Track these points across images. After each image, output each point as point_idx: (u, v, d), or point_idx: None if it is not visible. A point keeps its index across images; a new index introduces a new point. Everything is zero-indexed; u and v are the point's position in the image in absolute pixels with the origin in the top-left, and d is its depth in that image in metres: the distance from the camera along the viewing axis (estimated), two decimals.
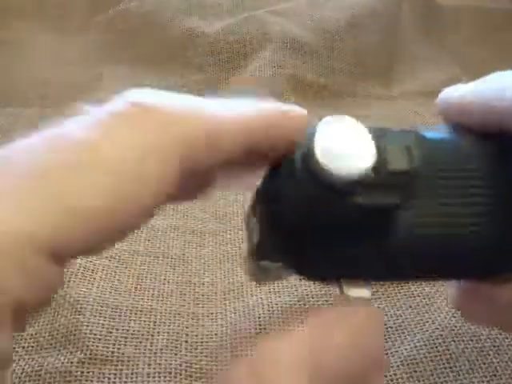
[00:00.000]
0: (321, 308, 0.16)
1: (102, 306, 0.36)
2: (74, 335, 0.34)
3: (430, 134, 0.18)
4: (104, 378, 0.32)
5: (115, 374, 0.33)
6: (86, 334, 0.34)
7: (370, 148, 0.14)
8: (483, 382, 0.33)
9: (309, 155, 0.14)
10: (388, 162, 0.15)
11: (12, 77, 0.67)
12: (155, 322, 0.36)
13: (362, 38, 0.66)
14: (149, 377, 0.33)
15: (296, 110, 0.20)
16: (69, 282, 0.37)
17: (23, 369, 0.33)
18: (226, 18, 0.69)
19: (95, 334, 0.34)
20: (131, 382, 0.32)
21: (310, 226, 0.16)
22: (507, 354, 0.34)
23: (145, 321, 0.36)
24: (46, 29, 0.75)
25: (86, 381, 0.32)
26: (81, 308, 0.35)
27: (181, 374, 0.33)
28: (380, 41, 0.68)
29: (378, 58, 0.67)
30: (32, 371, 0.32)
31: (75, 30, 0.75)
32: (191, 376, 0.32)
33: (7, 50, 0.71)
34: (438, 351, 0.34)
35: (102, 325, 0.35)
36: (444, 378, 0.33)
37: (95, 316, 0.35)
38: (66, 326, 0.34)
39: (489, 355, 0.34)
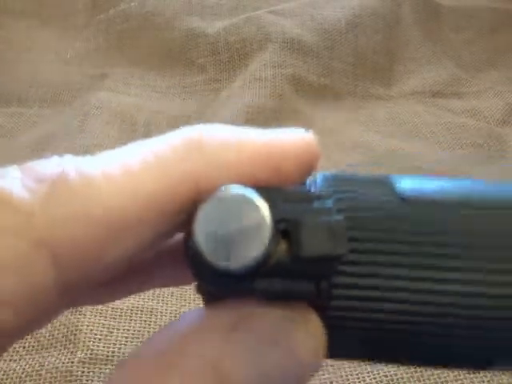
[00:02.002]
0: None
1: (102, 306, 0.36)
2: (75, 335, 0.34)
3: (410, 192, 0.13)
4: (105, 377, 0.32)
5: None
6: (86, 333, 0.34)
7: (264, 231, 0.12)
8: (483, 382, 0.33)
9: (191, 239, 0.12)
10: (298, 247, 0.12)
11: (12, 77, 0.67)
12: (155, 322, 0.36)
13: (363, 38, 0.66)
14: None
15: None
16: None
17: (24, 368, 0.33)
18: (227, 19, 0.69)
19: (96, 334, 0.34)
20: None
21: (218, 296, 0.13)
22: None
23: (145, 321, 0.36)
24: (46, 29, 0.75)
25: (87, 380, 0.32)
26: (81, 308, 0.35)
27: None
28: (380, 41, 0.68)
29: (378, 57, 0.67)
30: (33, 371, 0.32)
31: (75, 30, 0.75)
32: None
33: (7, 50, 0.71)
34: None
35: (103, 325, 0.35)
36: (444, 378, 0.33)
37: (96, 316, 0.35)
38: (66, 325, 0.35)
39: None
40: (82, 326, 0.34)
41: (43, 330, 0.35)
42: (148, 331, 0.35)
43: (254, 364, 0.12)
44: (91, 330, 0.34)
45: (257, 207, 0.12)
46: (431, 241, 0.13)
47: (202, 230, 0.12)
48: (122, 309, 0.36)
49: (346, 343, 0.14)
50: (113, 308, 0.36)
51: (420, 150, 0.53)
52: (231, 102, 0.59)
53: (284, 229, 0.12)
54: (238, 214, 0.12)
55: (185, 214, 0.13)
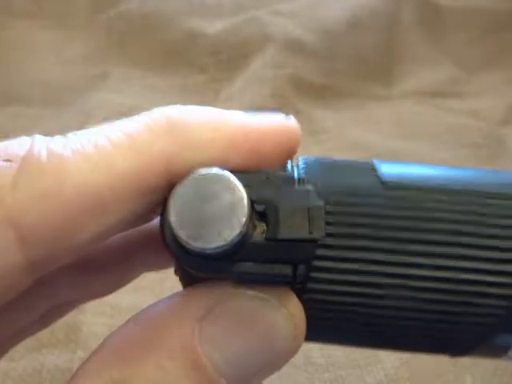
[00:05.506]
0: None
1: (103, 305, 0.36)
2: (75, 334, 0.34)
3: (393, 175, 0.14)
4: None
5: None
6: (87, 332, 0.34)
7: (240, 213, 0.11)
8: (484, 382, 0.33)
9: (165, 220, 0.12)
10: (275, 229, 0.12)
11: (12, 77, 0.67)
12: None
13: (363, 38, 0.66)
14: None
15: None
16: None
17: (24, 368, 0.33)
18: (227, 19, 0.69)
19: (96, 333, 0.34)
20: None
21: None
22: None
23: None
24: (46, 29, 0.75)
25: None
26: (82, 307, 0.35)
27: None
28: (380, 41, 0.68)
29: (379, 58, 0.67)
30: (33, 370, 0.32)
31: (76, 30, 0.75)
32: None
33: (7, 50, 0.71)
34: None
35: (104, 323, 0.35)
36: (444, 378, 0.33)
37: (96, 315, 0.35)
38: (66, 324, 0.35)
39: None
40: (82, 324, 0.34)
41: (43, 329, 0.35)
42: None
43: (227, 348, 0.12)
44: (91, 328, 0.34)
45: (233, 188, 0.12)
46: (406, 226, 0.13)
47: (177, 211, 0.12)
48: (122, 307, 0.36)
49: (321, 326, 0.14)
50: (113, 307, 0.36)
51: (420, 150, 0.53)
52: (231, 101, 0.59)
53: (262, 211, 0.12)
54: (213, 195, 0.12)
55: (159, 195, 0.12)
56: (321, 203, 0.12)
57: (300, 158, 0.15)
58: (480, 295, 0.13)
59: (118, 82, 0.64)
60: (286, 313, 0.13)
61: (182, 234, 0.11)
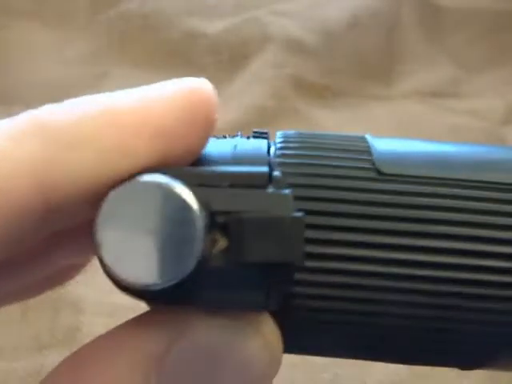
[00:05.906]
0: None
1: (102, 305, 0.36)
2: (75, 334, 0.34)
3: (390, 167, 0.11)
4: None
5: None
6: (86, 332, 0.34)
7: (193, 232, 0.08)
8: (483, 382, 0.33)
9: (97, 251, 0.09)
10: (239, 250, 0.09)
11: (12, 77, 0.67)
12: None
13: (363, 38, 0.66)
14: None
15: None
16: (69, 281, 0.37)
17: (25, 368, 0.33)
18: (227, 19, 0.69)
19: (95, 333, 0.34)
20: None
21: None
22: None
23: None
24: (46, 29, 0.75)
25: None
26: (81, 307, 0.35)
27: None
28: (380, 41, 0.68)
29: (379, 58, 0.67)
30: (34, 371, 0.32)
31: (76, 31, 0.75)
32: None
33: (7, 50, 0.71)
34: None
35: (103, 323, 0.35)
36: (444, 378, 0.33)
37: (96, 315, 0.35)
38: (66, 325, 0.35)
39: None
40: (81, 325, 0.34)
41: (43, 330, 0.35)
42: None
43: None
44: (91, 329, 0.34)
45: (180, 199, 0.08)
46: (408, 230, 0.11)
47: (106, 241, 0.09)
48: (122, 307, 0.36)
49: (304, 343, 0.12)
50: (113, 306, 0.36)
51: None
52: (231, 101, 0.59)
53: (223, 222, 0.09)
54: (152, 214, 0.09)
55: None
56: (300, 214, 0.09)
57: (278, 134, 0.12)
58: (495, 299, 0.11)
59: (118, 82, 0.64)
60: (263, 340, 0.10)
61: (118, 273, 0.09)
